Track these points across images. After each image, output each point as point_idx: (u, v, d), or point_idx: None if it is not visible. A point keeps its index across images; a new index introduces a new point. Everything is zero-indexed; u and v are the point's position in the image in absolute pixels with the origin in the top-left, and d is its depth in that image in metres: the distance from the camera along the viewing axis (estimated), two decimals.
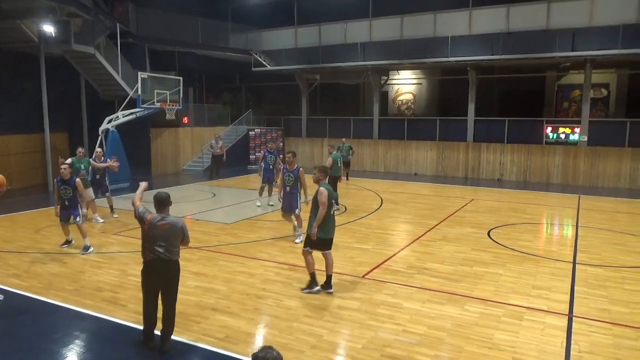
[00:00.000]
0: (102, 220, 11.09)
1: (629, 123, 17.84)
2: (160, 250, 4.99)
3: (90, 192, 10.86)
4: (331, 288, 6.77)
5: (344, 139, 19.04)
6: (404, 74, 24.93)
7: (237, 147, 23.06)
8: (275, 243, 9.47)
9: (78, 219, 8.77)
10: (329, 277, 6.80)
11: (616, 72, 20.49)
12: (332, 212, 6.74)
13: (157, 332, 5.22)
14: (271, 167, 12.94)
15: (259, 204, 13.07)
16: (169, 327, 5.17)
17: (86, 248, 8.70)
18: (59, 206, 8.81)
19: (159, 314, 5.19)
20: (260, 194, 13.19)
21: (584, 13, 17.33)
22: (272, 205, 12.76)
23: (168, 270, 5.06)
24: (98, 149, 12.00)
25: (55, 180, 8.89)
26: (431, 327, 5.70)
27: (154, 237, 5.00)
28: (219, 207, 13.17)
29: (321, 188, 6.60)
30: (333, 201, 6.80)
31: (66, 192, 8.65)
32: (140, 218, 5.11)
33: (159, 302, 5.16)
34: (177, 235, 5.09)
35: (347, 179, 17.57)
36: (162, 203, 5.14)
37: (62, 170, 8.64)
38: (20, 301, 6.55)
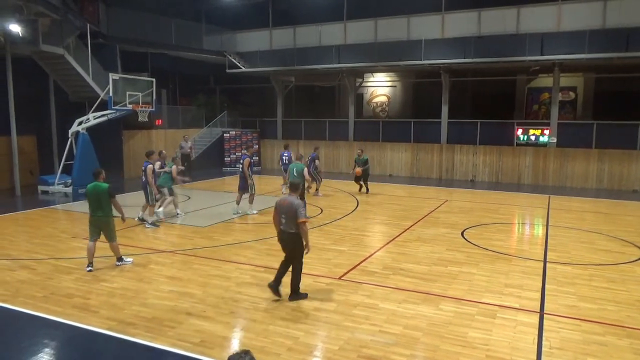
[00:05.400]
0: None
1: (595, 125, 18.41)
2: (283, 222, 6.36)
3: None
4: None
5: (359, 150, 16.87)
6: (379, 76, 25.15)
7: (212, 149, 22.84)
8: (252, 246, 9.41)
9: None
10: None
11: (583, 76, 21.14)
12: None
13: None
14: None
15: (255, 212, 12.50)
16: (292, 282, 6.51)
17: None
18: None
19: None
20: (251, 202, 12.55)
21: (551, 18, 17.83)
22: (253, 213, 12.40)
23: (287, 240, 6.42)
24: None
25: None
26: (407, 327, 5.75)
27: (279, 212, 6.42)
28: (194, 210, 13.00)
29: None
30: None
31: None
32: (275, 206, 6.61)
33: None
34: (293, 212, 6.26)
35: (367, 190, 15.96)
36: (295, 187, 6.78)
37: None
38: None
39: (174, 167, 11.68)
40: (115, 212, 7.92)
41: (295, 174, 12.17)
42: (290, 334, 5.54)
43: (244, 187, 12.38)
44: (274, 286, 6.57)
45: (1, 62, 14.84)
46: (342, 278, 7.48)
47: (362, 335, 5.54)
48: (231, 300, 6.56)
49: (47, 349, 5.30)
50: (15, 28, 14.26)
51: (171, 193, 11.82)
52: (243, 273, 7.70)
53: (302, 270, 6.63)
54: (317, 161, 15.27)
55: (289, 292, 6.59)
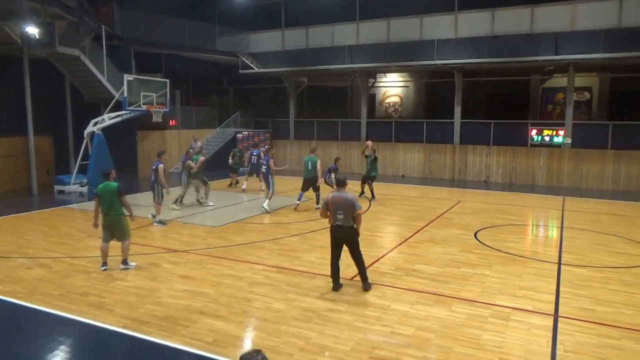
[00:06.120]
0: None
1: (611, 125, 18.15)
2: (340, 217, 6.71)
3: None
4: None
5: (369, 142, 15.31)
6: (391, 76, 25.08)
7: (225, 149, 22.93)
8: (264, 246, 9.45)
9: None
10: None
11: (598, 76, 20.86)
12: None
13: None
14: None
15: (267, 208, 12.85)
16: (362, 272, 7.01)
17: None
18: None
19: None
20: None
21: (566, 18, 17.61)
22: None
23: (347, 233, 6.80)
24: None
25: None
26: (419, 328, 5.74)
27: (335, 208, 6.73)
28: (207, 210, 13.09)
29: None
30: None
31: None
32: (323, 203, 6.95)
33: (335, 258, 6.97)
34: (350, 206, 6.71)
35: (373, 196, 14.59)
36: (342, 183, 7.02)
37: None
38: (3, 307, 6.45)
39: (202, 158, 13.18)
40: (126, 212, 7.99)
41: (310, 167, 12.92)
42: (302, 334, 5.55)
43: (268, 185, 12.98)
44: (337, 286, 7.01)
45: (18, 63, 15.08)
46: (354, 279, 7.46)
47: (374, 336, 5.54)
48: (244, 300, 6.60)
49: (63, 346, 5.39)
50: (32, 30, 14.49)
51: (205, 182, 13.35)
52: (255, 273, 7.74)
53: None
54: (333, 174, 13.72)
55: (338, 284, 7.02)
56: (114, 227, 7.80)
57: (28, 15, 13.99)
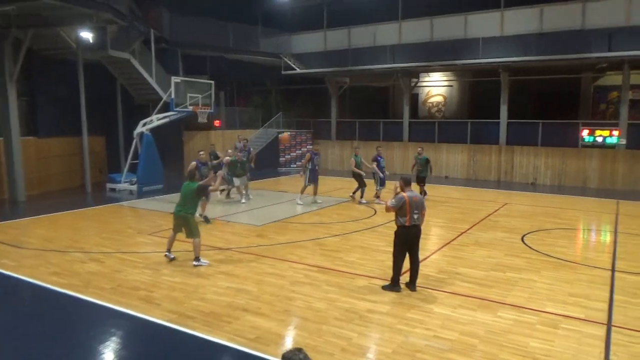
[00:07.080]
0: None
1: None
2: (415, 217, 6.83)
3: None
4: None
5: (419, 149, 15.59)
6: (435, 76, 24.68)
7: (268, 149, 23.26)
8: (305, 245, 9.51)
9: None
10: None
11: None
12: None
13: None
14: (317, 167, 13.82)
15: (300, 202, 13.72)
16: (417, 272, 7.07)
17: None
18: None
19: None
20: (302, 192, 13.89)
21: (620, 12, 16.74)
22: (319, 202, 13.75)
23: (419, 232, 6.99)
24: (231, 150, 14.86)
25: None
26: (463, 333, 5.62)
27: (412, 207, 6.79)
28: (249, 209, 13.32)
29: None
30: None
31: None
32: (399, 203, 6.80)
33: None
34: (423, 205, 6.97)
35: (425, 193, 14.66)
36: (409, 183, 7.05)
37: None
38: (60, 298, 6.81)
39: (227, 158, 13.79)
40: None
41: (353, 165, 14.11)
42: (343, 335, 5.56)
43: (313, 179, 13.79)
44: (413, 285, 7.03)
45: (73, 66, 15.84)
46: None
47: (416, 339, 5.47)
48: (285, 299, 6.67)
49: (114, 337, 5.63)
50: (86, 35, 15.19)
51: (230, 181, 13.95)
52: (297, 272, 7.80)
53: None
54: (375, 163, 14.42)
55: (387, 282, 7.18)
56: (183, 225, 8.26)
57: (82, 21, 14.67)
